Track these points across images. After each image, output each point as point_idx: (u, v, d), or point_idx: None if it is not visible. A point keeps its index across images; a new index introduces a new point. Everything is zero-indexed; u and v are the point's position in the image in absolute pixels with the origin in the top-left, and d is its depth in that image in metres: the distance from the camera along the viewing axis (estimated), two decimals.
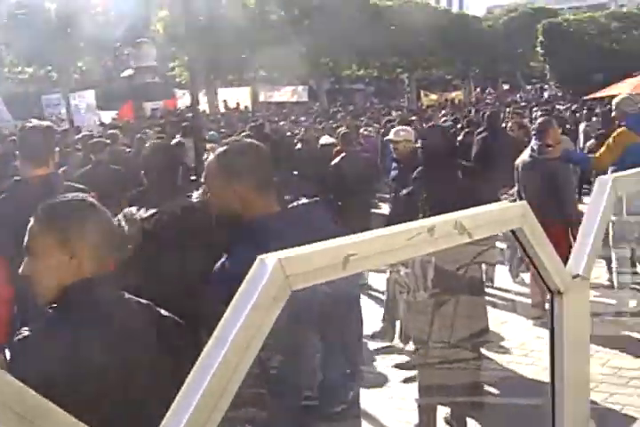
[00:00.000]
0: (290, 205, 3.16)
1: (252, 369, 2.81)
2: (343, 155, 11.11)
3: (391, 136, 9.50)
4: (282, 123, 24.78)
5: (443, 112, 28.56)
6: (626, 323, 8.19)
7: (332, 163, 11.25)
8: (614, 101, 9.42)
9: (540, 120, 9.34)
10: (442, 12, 53.43)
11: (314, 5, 42.72)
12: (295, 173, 14.78)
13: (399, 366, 7.35)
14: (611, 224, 8.65)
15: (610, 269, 9.31)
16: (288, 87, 48.97)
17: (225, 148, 3.20)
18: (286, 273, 1.30)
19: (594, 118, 18.52)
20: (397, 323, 7.21)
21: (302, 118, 26.68)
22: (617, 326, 8.14)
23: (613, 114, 9.40)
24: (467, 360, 6.15)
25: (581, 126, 16.89)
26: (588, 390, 2.23)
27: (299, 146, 15.20)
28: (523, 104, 32.61)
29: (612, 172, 8.43)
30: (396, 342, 7.93)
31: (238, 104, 43.35)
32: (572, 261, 2.14)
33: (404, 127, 10.40)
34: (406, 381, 7.22)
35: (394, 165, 9.60)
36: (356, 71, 51.76)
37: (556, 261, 2.00)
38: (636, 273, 8.92)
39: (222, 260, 3.00)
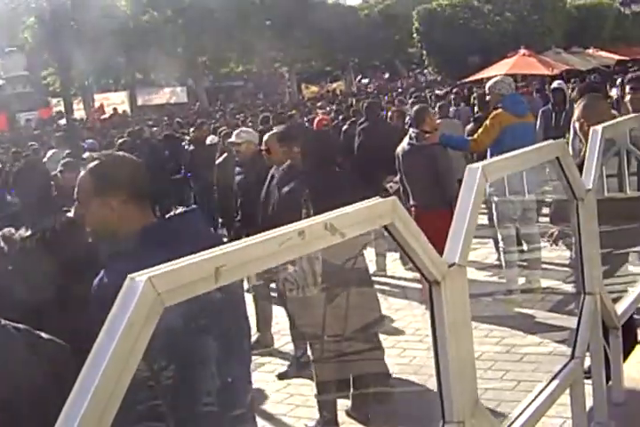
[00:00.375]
0: (167, 215, 3.15)
1: (146, 382, 2.80)
2: (225, 155, 11.15)
3: (232, 138, 8.85)
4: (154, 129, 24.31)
5: (319, 104, 28.61)
6: (516, 300, 8.39)
7: (216, 163, 11.35)
8: (487, 85, 9.60)
9: (415, 108, 9.47)
10: (317, 4, 53.47)
11: (186, 4, 42.34)
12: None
13: (280, 376, 7.35)
14: (494, 205, 8.84)
15: (497, 248, 9.50)
16: (166, 89, 48.61)
17: (96, 162, 3.15)
18: (158, 291, 1.31)
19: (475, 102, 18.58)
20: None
21: (177, 120, 26.09)
22: (509, 304, 8.33)
23: (488, 98, 9.57)
24: (363, 351, 6.23)
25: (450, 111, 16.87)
26: (474, 374, 2.29)
27: (191, 147, 15.26)
28: (399, 91, 32.95)
29: (491, 153, 8.63)
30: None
31: (115, 109, 42.76)
32: (447, 251, 2.19)
33: (246, 129, 10.20)
34: (281, 376, 7.28)
35: (237, 169, 8.89)
36: (234, 68, 51.60)
37: (431, 252, 2.05)
38: (522, 251, 9.13)
39: (100, 275, 2.97)
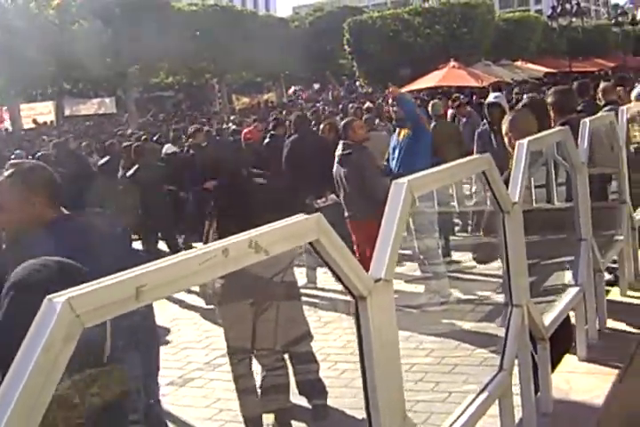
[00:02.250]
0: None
1: (71, 400, 2.75)
2: (137, 166, 11.28)
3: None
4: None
5: (232, 118, 28.43)
6: (446, 311, 8.43)
7: (128, 174, 11.53)
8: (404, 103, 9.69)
9: (344, 120, 9.54)
10: (248, 15, 53.43)
11: (116, 15, 41.95)
12: None
13: None
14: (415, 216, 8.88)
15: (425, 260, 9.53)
16: (95, 99, 48.08)
17: (12, 169, 3.49)
18: (76, 312, 1.28)
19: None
20: None
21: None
22: (438, 315, 8.38)
23: (395, 109, 9.60)
24: (292, 365, 6.21)
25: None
26: (402, 389, 2.29)
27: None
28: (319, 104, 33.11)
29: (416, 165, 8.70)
30: None
31: (35, 120, 42.24)
32: (373, 266, 2.18)
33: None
34: None
35: None
36: (164, 79, 51.21)
37: (357, 267, 2.05)
38: (451, 262, 9.20)
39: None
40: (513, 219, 3.28)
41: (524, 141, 3.58)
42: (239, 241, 1.64)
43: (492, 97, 10.88)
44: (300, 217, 1.87)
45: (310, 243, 1.88)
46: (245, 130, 15.25)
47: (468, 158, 3.04)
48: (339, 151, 8.69)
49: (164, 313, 8.80)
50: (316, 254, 1.93)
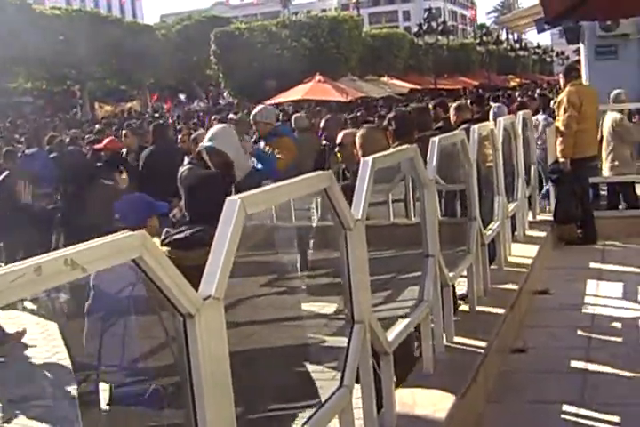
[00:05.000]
0: None
1: None
2: (6, 173, 10.89)
3: None
4: None
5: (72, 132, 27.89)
6: (300, 326, 8.41)
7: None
8: (253, 113, 9.74)
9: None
10: (113, 22, 52.57)
11: None
12: None
13: None
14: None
15: None
16: None
17: None
18: None
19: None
20: None
21: None
22: (291, 329, 8.35)
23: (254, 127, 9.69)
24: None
25: None
26: (232, 405, 2.27)
27: None
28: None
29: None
30: None
31: None
32: (203, 283, 2.16)
33: None
34: None
35: None
36: (22, 84, 49.81)
37: (184, 284, 2.01)
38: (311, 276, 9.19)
39: None
40: (355, 235, 3.29)
41: (369, 159, 3.61)
42: (53, 258, 1.60)
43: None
44: (123, 234, 1.83)
45: (133, 260, 1.84)
46: (105, 140, 14.88)
47: (308, 175, 3.03)
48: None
49: (14, 325, 8.55)
50: (139, 271, 1.89)
